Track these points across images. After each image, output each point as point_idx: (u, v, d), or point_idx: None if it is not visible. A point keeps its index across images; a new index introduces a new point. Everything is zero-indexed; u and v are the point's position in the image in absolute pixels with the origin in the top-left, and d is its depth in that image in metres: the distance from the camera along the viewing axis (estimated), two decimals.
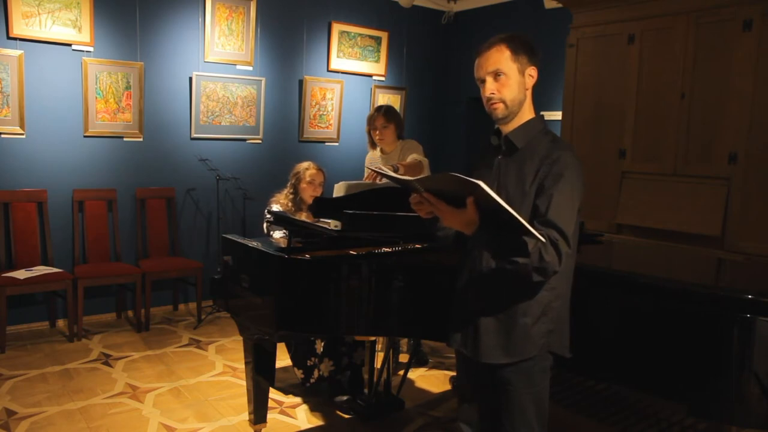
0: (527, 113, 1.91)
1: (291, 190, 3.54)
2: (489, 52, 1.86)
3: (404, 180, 1.81)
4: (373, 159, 3.98)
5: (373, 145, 3.95)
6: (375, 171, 2.10)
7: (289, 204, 3.52)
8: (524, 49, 1.86)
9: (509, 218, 1.63)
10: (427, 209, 1.81)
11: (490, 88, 1.86)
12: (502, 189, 1.88)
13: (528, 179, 1.82)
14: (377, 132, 3.81)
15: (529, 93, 1.89)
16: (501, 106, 1.86)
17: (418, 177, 1.77)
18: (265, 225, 3.40)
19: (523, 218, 1.68)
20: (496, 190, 1.90)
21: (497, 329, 1.87)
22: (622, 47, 4.17)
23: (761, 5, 3.51)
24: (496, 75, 1.85)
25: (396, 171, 3.32)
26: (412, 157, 3.67)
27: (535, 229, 1.68)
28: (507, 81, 1.84)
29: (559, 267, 1.72)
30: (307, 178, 3.51)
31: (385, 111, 3.82)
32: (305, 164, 3.60)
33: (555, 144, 1.85)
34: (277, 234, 3.21)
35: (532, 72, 1.87)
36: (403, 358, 3.98)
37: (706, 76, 3.78)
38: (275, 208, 3.45)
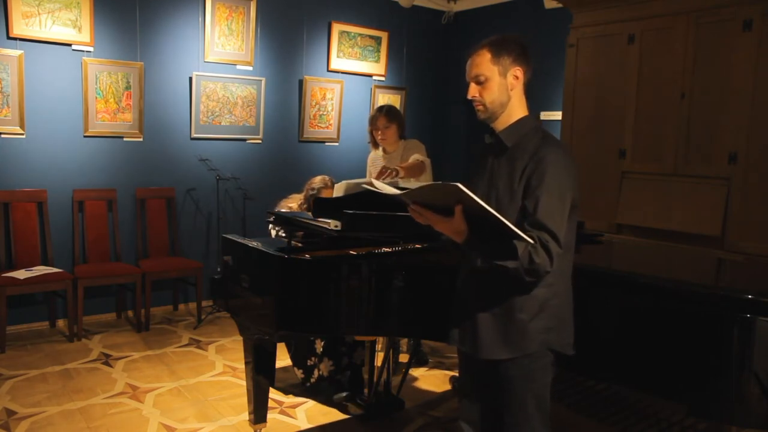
0: (518, 112, 1.93)
1: (306, 205, 3.48)
2: (472, 57, 1.92)
3: (393, 195, 1.85)
4: (376, 159, 3.98)
5: (376, 145, 3.94)
6: (366, 187, 2.10)
7: None
8: (508, 50, 1.88)
9: (495, 221, 1.64)
10: (421, 218, 1.84)
11: (472, 92, 1.93)
12: (493, 189, 1.90)
13: (516, 179, 1.84)
14: (379, 132, 3.81)
15: (515, 93, 1.91)
16: (482, 108, 1.93)
17: (404, 191, 1.79)
18: (273, 232, 3.38)
19: (510, 219, 1.68)
20: (487, 190, 1.91)
21: (494, 325, 1.88)
22: (622, 47, 4.17)
23: (761, 5, 3.51)
24: (477, 79, 1.90)
25: (397, 173, 3.32)
26: (414, 158, 3.66)
27: (525, 231, 1.70)
28: (487, 84, 1.89)
29: (551, 267, 1.73)
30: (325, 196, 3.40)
31: (387, 111, 3.82)
32: (320, 181, 3.47)
33: (544, 141, 1.86)
34: None
35: (517, 73, 1.89)
36: (403, 358, 3.98)
37: (706, 76, 3.78)
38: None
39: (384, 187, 1.94)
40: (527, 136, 1.89)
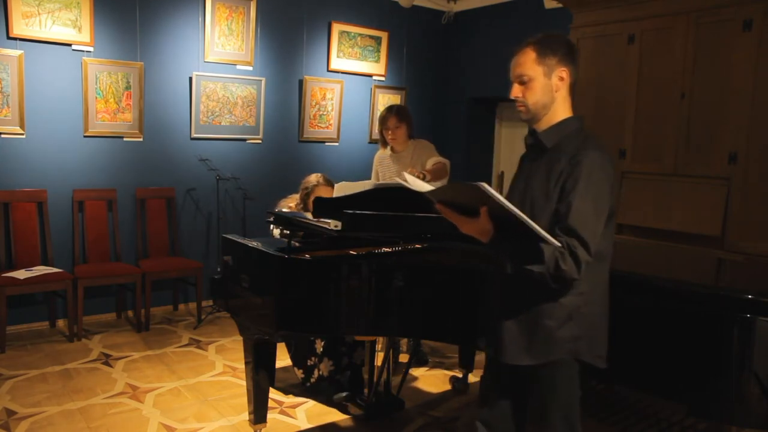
0: (561, 113, 1.87)
1: (301, 204, 3.49)
2: (517, 56, 1.86)
3: (421, 192, 1.82)
4: (383, 158, 4.00)
5: (384, 144, 3.96)
6: (399, 181, 2.09)
7: None
8: (554, 50, 1.82)
9: (522, 223, 1.60)
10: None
11: (514, 92, 1.87)
12: (529, 191, 1.85)
13: (552, 181, 1.78)
14: (389, 132, 3.83)
15: (560, 94, 1.86)
16: (524, 108, 1.88)
17: (431, 189, 1.77)
18: (276, 231, 3.38)
19: (544, 223, 1.64)
20: (523, 191, 1.87)
21: (519, 330, 1.84)
22: (622, 47, 4.17)
23: (761, 5, 3.51)
24: (521, 79, 1.85)
25: (424, 177, 3.34)
26: (434, 161, 3.69)
27: (556, 236, 1.65)
28: (531, 85, 1.84)
29: (578, 275, 1.69)
30: (318, 194, 3.37)
31: (397, 111, 3.85)
32: (314, 179, 3.46)
33: (584, 144, 1.79)
34: None
35: (562, 74, 1.84)
36: (403, 358, 3.98)
37: (706, 76, 3.78)
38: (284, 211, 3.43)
39: (416, 183, 1.89)
40: (568, 138, 1.83)
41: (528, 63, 1.83)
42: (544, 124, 1.88)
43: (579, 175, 1.72)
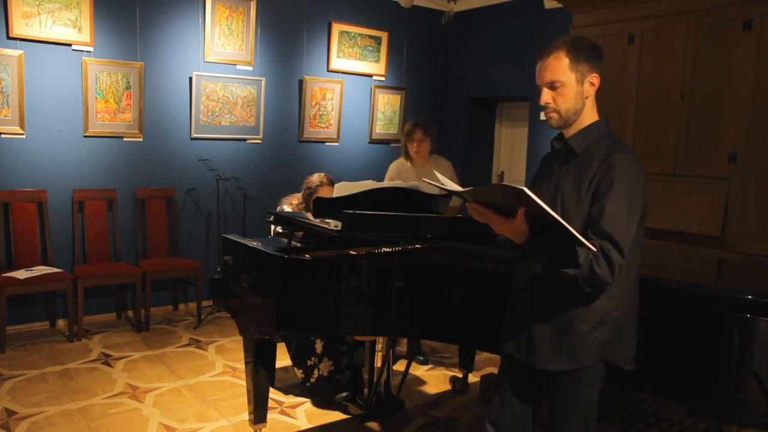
0: (589, 117, 1.86)
1: (303, 204, 3.49)
2: (547, 60, 1.82)
3: (455, 191, 1.82)
4: (403, 170, 4.06)
5: (407, 155, 4.03)
6: (431, 182, 2.12)
7: None
8: (586, 56, 1.80)
9: (559, 227, 1.60)
10: (481, 217, 1.80)
11: (545, 98, 1.83)
12: (559, 195, 1.84)
13: (584, 185, 1.78)
14: (415, 144, 3.90)
15: (589, 100, 1.85)
16: (555, 115, 1.84)
17: (468, 189, 1.77)
18: (271, 229, 3.38)
19: (575, 227, 1.63)
20: (552, 195, 1.86)
21: (552, 335, 1.82)
22: (622, 47, 4.17)
23: (761, 5, 3.51)
24: (552, 85, 1.81)
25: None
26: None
27: (589, 239, 1.64)
28: (563, 91, 1.81)
29: (612, 279, 1.69)
30: (321, 194, 3.34)
31: (424, 125, 3.99)
32: (317, 179, 3.44)
33: (615, 148, 1.79)
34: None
35: (593, 80, 1.82)
36: (403, 358, 3.98)
37: (706, 76, 3.78)
38: (287, 208, 3.42)
39: (448, 183, 1.91)
40: (597, 142, 1.83)
41: (561, 69, 1.79)
42: (572, 129, 1.87)
43: (612, 179, 1.72)
